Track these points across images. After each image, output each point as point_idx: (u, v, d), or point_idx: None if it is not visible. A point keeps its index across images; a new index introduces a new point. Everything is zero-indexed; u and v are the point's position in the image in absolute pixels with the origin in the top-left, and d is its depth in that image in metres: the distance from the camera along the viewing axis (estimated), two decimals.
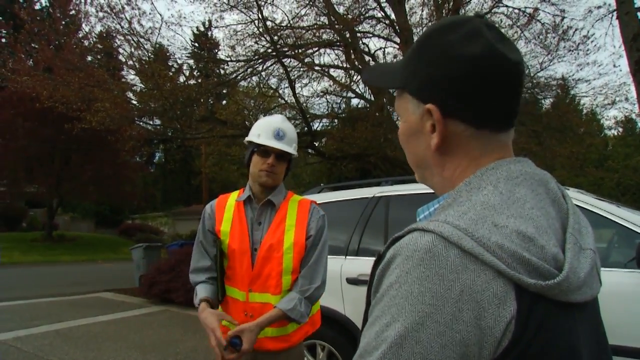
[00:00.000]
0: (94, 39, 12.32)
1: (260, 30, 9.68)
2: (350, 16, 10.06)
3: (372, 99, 10.88)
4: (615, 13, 7.98)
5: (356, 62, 10.53)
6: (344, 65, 11.33)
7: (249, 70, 10.69)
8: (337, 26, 10.00)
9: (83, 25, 12.62)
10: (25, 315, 6.75)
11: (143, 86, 10.57)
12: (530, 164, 0.66)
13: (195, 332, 5.83)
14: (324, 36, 10.54)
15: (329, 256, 1.90)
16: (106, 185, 20.62)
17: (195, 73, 14.86)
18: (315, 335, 2.54)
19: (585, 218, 0.68)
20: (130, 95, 11.32)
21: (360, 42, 10.83)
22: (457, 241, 0.53)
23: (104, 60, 11.68)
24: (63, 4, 13.05)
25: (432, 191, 0.72)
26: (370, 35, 11.07)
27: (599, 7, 9.58)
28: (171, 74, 11.00)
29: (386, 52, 11.42)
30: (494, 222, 0.56)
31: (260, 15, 9.27)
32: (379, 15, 10.61)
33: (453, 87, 0.63)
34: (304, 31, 10.33)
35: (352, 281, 3.12)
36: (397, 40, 10.27)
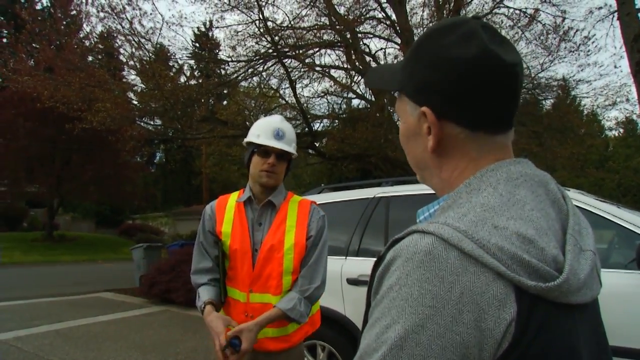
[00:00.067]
0: (95, 39, 12.33)
1: (261, 30, 9.68)
2: (351, 17, 10.06)
3: (373, 99, 10.88)
4: (616, 14, 7.98)
5: (357, 63, 10.54)
6: (345, 66, 11.34)
7: (249, 70, 10.70)
8: (338, 27, 10.00)
9: (84, 25, 12.66)
10: (26, 315, 6.75)
11: (144, 86, 10.59)
12: (530, 165, 0.66)
13: (196, 332, 5.83)
14: (325, 37, 10.55)
15: (329, 257, 1.90)
16: (107, 185, 20.64)
17: (196, 73, 14.90)
18: (316, 336, 2.55)
19: (585, 219, 0.68)
20: (131, 95, 11.34)
21: (361, 42, 10.84)
22: (457, 243, 0.54)
23: (105, 60, 11.68)
24: (64, 4, 13.09)
25: (432, 192, 0.72)
26: (371, 35, 11.08)
27: (600, 8, 9.58)
28: (172, 74, 11.03)
29: (387, 53, 11.44)
30: (493, 224, 0.56)
31: (261, 16, 9.28)
32: (380, 15, 10.63)
33: (447, 89, 0.63)
34: (304, 32, 10.35)
35: (353, 282, 3.11)
36: (398, 41, 10.27)
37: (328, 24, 10.28)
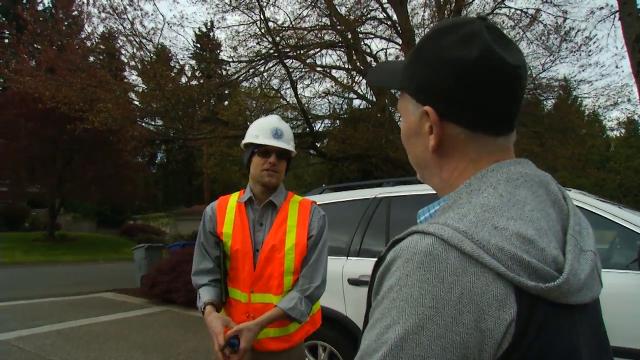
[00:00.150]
0: (97, 40, 12.37)
1: (262, 31, 9.69)
2: (352, 17, 10.07)
3: (374, 99, 10.88)
4: (617, 14, 7.97)
5: (358, 63, 10.55)
6: (346, 66, 11.35)
7: (250, 71, 10.72)
8: (339, 27, 10.01)
9: (85, 26, 12.71)
10: (28, 315, 6.76)
11: (145, 87, 10.62)
12: (530, 165, 0.66)
13: (197, 333, 5.84)
14: (326, 37, 10.56)
15: (330, 257, 1.90)
16: (108, 185, 20.66)
17: (197, 74, 14.91)
18: (317, 336, 2.55)
19: (586, 219, 0.68)
20: (132, 95, 11.36)
21: (362, 43, 10.85)
22: (457, 244, 0.54)
23: (107, 60, 11.71)
24: (66, 4, 13.13)
25: (433, 192, 0.72)
26: (372, 36, 11.09)
27: (601, 8, 9.54)
28: (173, 74, 11.05)
29: (388, 54, 11.43)
30: (494, 225, 0.56)
31: (262, 16, 9.29)
32: (381, 16, 10.64)
33: (448, 90, 0.63)
34: (305, 32, 10.35)
35: (354, 282, 3.11)
36: (399, 41, 10.27)
37: (329, 24, 10.29)
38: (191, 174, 32.54)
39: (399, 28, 9.91)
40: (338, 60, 11.69)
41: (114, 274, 12.55)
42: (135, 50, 9.80)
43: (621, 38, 7.62)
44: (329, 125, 12.64)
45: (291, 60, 10.34)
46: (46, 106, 9.53)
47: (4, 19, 24.34)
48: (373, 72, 0.84)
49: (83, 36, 12.92)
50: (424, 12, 10.07)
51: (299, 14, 10.36)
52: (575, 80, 11.10)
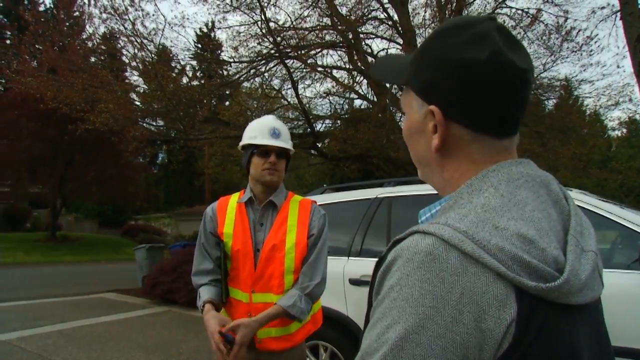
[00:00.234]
0: (98, 40, 12.38)
1: (263, 31, 9.70)
2: (353, 17, 10.07)
3: (375, 100, 10.88)
4: (618, 14, 7.95)
5: (359, 63, 10.55)
6: (347, 67, 11.35)
7: (251, 71, 10.73)
8: (340, 27, 10.02)
9: (87, 26, 12.70)
10: (29, 316, 6.78)
11: (146, 87, 10.62)
12: (531, 165, 0.65)
13: (198, 333, 5.84)
14: (327, 37, 10.56)
15: (331, 257, 1.90)
16: (109, 185, 20.69)
17: (198, 74, 14.94)
18: (318, 336, 2.55)
19: (587, 220, 0.67)
20: (133, 96, 11.38)
21: (363, 43, 10.86)
22: (458, 244, 0.54)
23: (108, 61, 11.73)
24: (67, 5, 13.15)
25: (434, 192, 0.72)
26: (373, 36, 11.08)
27: (603, 7, 9.60)
28: (174, 75, 11.05)
29: (389, 54, 11.41)
30: (494, 225, 0.55)
31: (263, 17, 9.30)
32: (382, 16, 10.64)
33: (455, 91, 0.62)
34: (306, 32, 10.36)
35: (355, 282, 3.11)
36: (400, 41, 10.27)
37: (330, 24, 10.29)
38: (192, 175, 32.56)
39: (400, 28, 9.91)
40: (339, 60, 11.71)
41: (116, 275, 12.57)
42: (136, 51, 9.83)
43: (622, 38, 7.60)
44: (330, 125, 12.65)
45: (292, 61, 10.34)
46: (48, 107, 9.55)
47: (5, 19, 24.38)
48: (376, 66, 0.81)
49: (84, 37, 12.93)
50: (425, 12, 10.07)
51: (300, 14, 10.38)
52: (576, 80, 11.11)
